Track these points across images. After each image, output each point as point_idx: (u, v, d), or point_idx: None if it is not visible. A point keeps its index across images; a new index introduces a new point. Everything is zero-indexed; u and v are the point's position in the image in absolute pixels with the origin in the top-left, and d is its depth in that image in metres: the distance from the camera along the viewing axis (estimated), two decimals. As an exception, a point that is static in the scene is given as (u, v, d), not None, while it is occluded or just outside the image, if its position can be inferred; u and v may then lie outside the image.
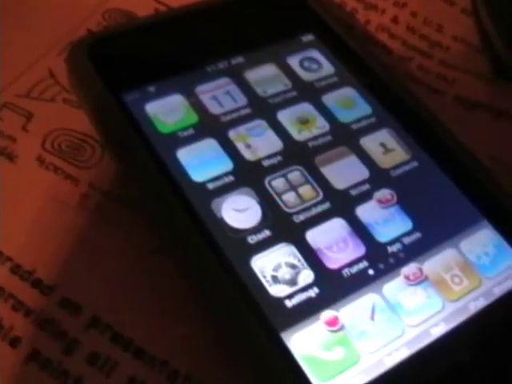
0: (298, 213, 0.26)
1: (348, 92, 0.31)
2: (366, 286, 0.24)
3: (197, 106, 0.29)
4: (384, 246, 0.26)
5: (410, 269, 0.25)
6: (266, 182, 0.27)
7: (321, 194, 0.27)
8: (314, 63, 0.32)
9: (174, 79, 0.29)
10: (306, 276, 0.24)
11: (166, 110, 0.28)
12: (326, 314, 0.24)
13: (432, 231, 0.26)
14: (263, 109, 0.29)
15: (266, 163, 0.27)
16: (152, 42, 0.31)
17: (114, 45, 0.30)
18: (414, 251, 0.26)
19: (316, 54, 0.32)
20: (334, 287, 0.24)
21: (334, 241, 0.25)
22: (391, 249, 0.25)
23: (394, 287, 0.25)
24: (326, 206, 0.26)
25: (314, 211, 0.26)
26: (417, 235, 0.26)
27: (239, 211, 0.26)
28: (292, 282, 0.24)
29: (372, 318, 0.24)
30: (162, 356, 0.24)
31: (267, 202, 0.26)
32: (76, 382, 0.24)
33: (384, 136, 0.29)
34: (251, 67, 0.31)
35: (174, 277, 0.25)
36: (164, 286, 0.26)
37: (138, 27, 0.32)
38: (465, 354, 0.24)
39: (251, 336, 0.23)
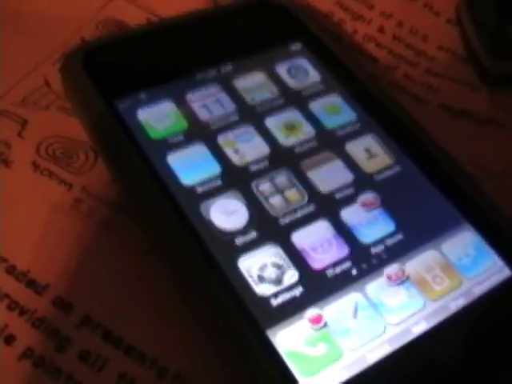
0: (283, 215, 0.27)
1: (334, 99, 0.32)
2: (350, 286, 0.25)
3: (187, 112, 0.30)
4: (367, 247, 0.26)
5: (392, 269, 0.26)
6: (253, 185, 0.28)
7: (306, 197, 0.28)
8: (301, 71, 0.33)
9: (165, 87, 0.30)
10: (291, 276, 0.25)
11: (157, 117, 0.29)
12: (310, 312, 0.24)
13: (414, 233, 0.27)
14: (251, 115, 0.30)
15: (253, 168, 0.28)
16: (144, 51, 0.32)
17: (107, 54, 0.31)
18: (397, 252, 0.26)
19: (303, 62, 0.33)
20: (318, 286, 0.25)
21: (318, 242, 0.26)
22: (374, 250, 0.26)
23: (377, 287, 0.25)
24: (311, 208, 0.27)
25: (299, 214, 0.27)
26: (399, 237, 0.27)
27: (227, 214, 0.27)
28: (277, 281, 0.25)
29: (355, 316, 0.25)
30: (152, 353, 0.25)
31: (254, 205, 0.27)
32: (68, 378, 0.24)
33: (368, 141, 0.30)
34: (240, 75, 0.32)
35: (165, 277, 0.26)
36: (155, 286, 0.27)
37: (130, 37, 0.33)
38: (444, 352, 0.24)
39: (238, 333, 0.24)
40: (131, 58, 0.31)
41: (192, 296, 0.25)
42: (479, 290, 0.26)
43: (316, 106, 0.31)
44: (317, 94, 0.32)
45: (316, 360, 0.23)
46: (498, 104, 0.36)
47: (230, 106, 0.30)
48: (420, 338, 0.24)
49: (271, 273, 0.25)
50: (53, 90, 0.33)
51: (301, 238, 0.26)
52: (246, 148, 0.29)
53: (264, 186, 0.28)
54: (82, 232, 0.28)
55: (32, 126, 0.31)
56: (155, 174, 0.27)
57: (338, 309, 0.25)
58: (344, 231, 0.27)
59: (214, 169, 0.28)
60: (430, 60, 0.37)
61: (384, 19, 0.39)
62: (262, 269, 0.25)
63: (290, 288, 0.25)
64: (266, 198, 0.27)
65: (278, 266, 0.25)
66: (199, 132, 0.29)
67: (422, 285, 0.26)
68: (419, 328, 0.25)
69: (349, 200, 0.28)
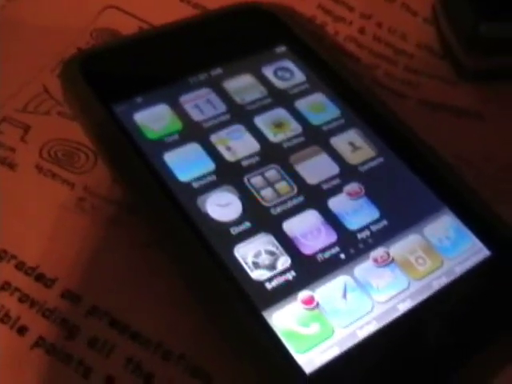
0: (275, 206, 0.29)
1: (318, 97, 0.34)
2: (339, 269, 0.27)
3: (181, 113, 0.32)
4: (354, 233, 0.28)
5: (378, 252, 0.28)
6: (246, 179, 0.29)
7: (295, 188, 0.29)
8: (286, 72, 0.34)
9: (159, 90, 0.32)
10: (284, 261, 0.27)
11: (153, 119, 0.31)
12: (303, 294, 0.26)
13: (397, 219, 0.29)
14: (241, 115, 0.32)
15: (244, 163, 0.30)
16: (138, 57, 0.34)
17: (103, 61, 0.33)
18: (382, 237, 0.28)
19: (289, 63, 0.35)
20: (309, 270, 0.27)
21: (308, 230, 0.28)
22: (360, 235, 0.28)
23: (364, 269, 0.27)
24: (301, 199, 0.29)
25: (289, 204, 0.29)
26: (384, 223, 0.29)
27: (222, 206, 0.28)
28: (271, 266, 0.27)
29: (344, 296, 0.26)
30: (157, 338, 0.27)
31: (247, 198, 0.29)
32: (79, 363, 0.26)
33: (352, 136, 0.32)
34: (229, 77, 0.34)
35: (168, 268, 0.28)
36: (158, 276, 0.28)
37: (124, 44, 0.35)
38: (428, 327, 0.26)
39: (236, 315, 0.25)
40: (126, 64, 0.33)
41: (193, 283, 0.27)
42: (460, 269, 0.28)
43: (302, 104, 0.33)
44: (302, 93, 0.34)
45: (309, 338, 0.25)
46: (474, 97, 0.38)
47: (221, 106, 0.32)
48: (406, 315, 0.26)
49: (265, 259, 0.27)
50: (52, 96, 0.34)
51: (292, 226, 0.28)
52: (238, 145, 0.31)
53: (255, 180, 0.29)
54: (86, 228, 0.30)
55: (34, 130, 0.33)
56: (154, 172, 0.29)
57: (329, 290, 0.26)
58: (331, 219, 0.29)
59: (208, 165, 0.30)
60: (409, 58, 0.39)
61: (364, 20, 0.40)
62: (257, 256, 0.27)
63: (283, 272, 0.27)
64: (258, 191, 0.29)
65: (271, 253, 0.27)
66: (193, 132, 0.31)
67: (406, 266, 0.27)
68: (405, 306, 0.26)
69: (335, 190, 0.30)
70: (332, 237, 0.28)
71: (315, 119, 0.32)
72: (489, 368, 0.26)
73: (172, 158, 0.30)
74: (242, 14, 0.36)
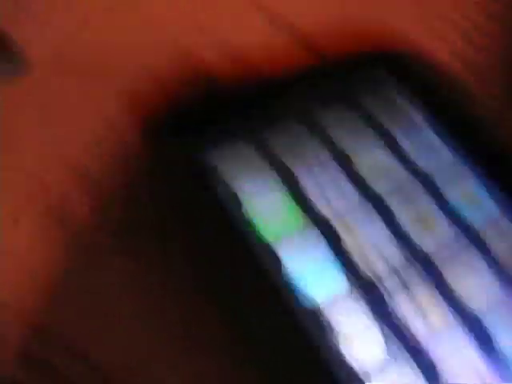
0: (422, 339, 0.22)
1: (471, 185, 0.26)
2: None
3: (301, 200, 0.25)
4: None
5: None
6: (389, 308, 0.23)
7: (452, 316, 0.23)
8: (429, 149, 0.27)
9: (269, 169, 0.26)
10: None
11: (267, 209, 0.24)
12: None
13: None
14: (375, 206, 0.25)
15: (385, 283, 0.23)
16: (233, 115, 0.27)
17: (200, 125, 0.27)
18: None
19: (430, 135, 0.28)
20: None
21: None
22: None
23: None
24: (459, 332, 0.23)
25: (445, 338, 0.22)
26: None
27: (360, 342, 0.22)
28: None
29: None
30: None
31: (392, 331, 0.22)
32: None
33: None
34: (358, 154, 0.27)
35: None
36: None
37: (219, 103, 0.28)
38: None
39: None
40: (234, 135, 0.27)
41: None
42: None
43: (451, 194, 0.26)
44: (450, 179, 0.26)
45: None
46: None
47: (351, 193, 0.25)
48: None
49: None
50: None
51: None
52: (374, 253, 0.24)
53: (400, 308, 0.23)
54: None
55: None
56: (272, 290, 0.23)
57: None
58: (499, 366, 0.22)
59: (340, 282, 0.23)
60: None
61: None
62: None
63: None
64: (405, 324, 0.22)
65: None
66: (317, 225, 0.25)
67: None
68: None
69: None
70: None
71: (469, 215, 0.25)
72: None
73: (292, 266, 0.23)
74: (368, 66, 0.30)
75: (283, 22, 0.32)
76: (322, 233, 0.24)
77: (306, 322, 0.22)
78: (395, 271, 0.23)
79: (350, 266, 0.23)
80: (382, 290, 0.23)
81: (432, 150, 0.27)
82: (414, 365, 0.21)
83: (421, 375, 0.21)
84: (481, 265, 0.24)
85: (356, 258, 0.23)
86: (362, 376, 0.21)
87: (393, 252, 0.24)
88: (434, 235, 0.25)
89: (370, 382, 0.21)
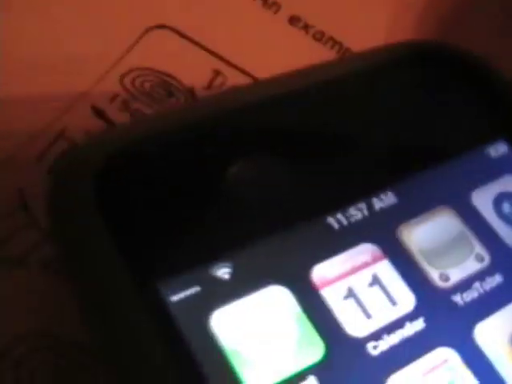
0: None
1: None
2: None
3: (316, 317, 0.14)
4: None
5: None
6: None
7: None
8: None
9: (257, 255, 0.14)
10: None
11: (250, 329, 0.14)
12: None
13: None
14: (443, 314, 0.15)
15: None
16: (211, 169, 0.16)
17: (142, 178, 0.15)
18: None
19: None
20: None
21: None
22: None
23: None
24: None
25: None
26: None
27: None
28: None
29: None
30: None
31: None
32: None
33: None
34: (410, 219, 0.16)
35: None
36: None
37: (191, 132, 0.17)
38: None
39: None
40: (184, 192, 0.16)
41: None
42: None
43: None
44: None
45: None
46: None
47: (401, 295, 0.15)
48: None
49: None
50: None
51: None
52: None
53: None
54: None
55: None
56: None
57: None
58: None
59: None
60: None
61: None
62: None
63: None
64: None
65: None
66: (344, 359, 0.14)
67: None
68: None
69: None
70: None
71: None
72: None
73: None
74: (418, 63, 0.19)
75: None
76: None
77: None
78: None
79: None
80: None
81: None
82: None
83: None
84: None
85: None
86: None
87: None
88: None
89: None
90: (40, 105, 0.20)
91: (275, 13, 0.22)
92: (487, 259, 0.16)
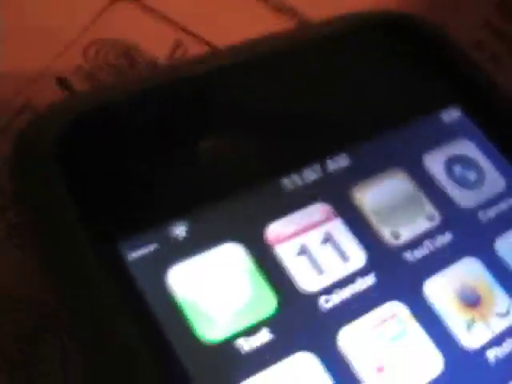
0: None
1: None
2: None
3: (270, 270, 0.15)
4: None
5: None
6: None
7: None
8: (470, 168, 0.17)
9: (215, 212, 0.15)
10: None
11: (205, 284, 0.14)
12: None
13: None
14: (391, 276, 0.15)
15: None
16: (172, 133, 0.16)
17: (103, 141, 0.16)
18: None
19: (472, 149, 0.18)
20: None
21: None
22: None
23: None
24: None
25: None
26: None
27: None
28: None
29: None
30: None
31: None
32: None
33: None
34: (362, 182, 0.17)
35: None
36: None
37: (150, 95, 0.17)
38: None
39: None
40: (147, 151, 0.16)
41: None
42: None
43: (508, 247, 0.16)
44: (509, 219, 0.17)
45: None
46: None
47: (353, 252, 0.15)
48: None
49: None
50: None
51: None
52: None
53: None
54: None
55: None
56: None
57: None
58: None
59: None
60: None
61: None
62: None
63: None
64: None
65: None
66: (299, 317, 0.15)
67: None
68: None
69: None
70: None
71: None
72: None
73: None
74: (376, 36, 0.19)
75: None
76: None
77: None
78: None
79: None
80: None
81: (475, 172, 0.17)
82: None
83: None
84: None
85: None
86: None
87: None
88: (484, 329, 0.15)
89: None
90: (3, 78, 0.20)
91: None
92: (437, 219, 0.16)
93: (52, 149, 0.15)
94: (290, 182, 0.16)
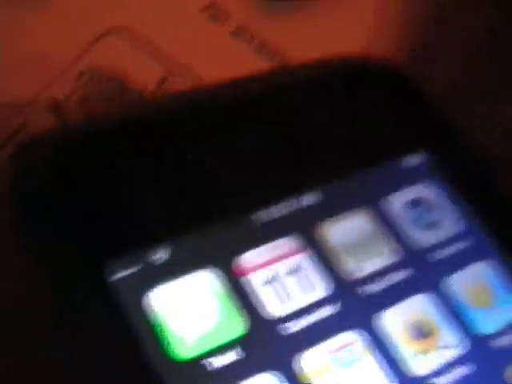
0: None
1: (485, 271, 0.18)
2: None
3: (239, 298, 0.16)
4: None
5: None
6: None
7: None
8: (432, 209, 0.19)
9: (192, 241, 0.16)
10: None
11: (182, 306, 0.16)
12: None
13: None
14: (352, 302, 0.17)
15: None
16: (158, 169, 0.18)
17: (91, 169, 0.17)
18: None
19: (434, 190, 0.19)
20: None
21: None
22: None
23: None
24: None
25: None
26: None
27: None
28: None
29: None
30: None
31: None
32: None
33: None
34: (332, 218, 0.18)
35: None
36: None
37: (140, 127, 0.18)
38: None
39: None
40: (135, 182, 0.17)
41: None
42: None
43: (456, 287, 0.18)
44: (459, 259, 0.18)
45: None
46: None
47: (317, 282, 0.17)
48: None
49: None
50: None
51: None
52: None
53: None
54: None
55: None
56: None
57: None
58: None
59: None
60: None
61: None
62: None
63: None
64: None
65: None
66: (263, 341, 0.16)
67: None
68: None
69: None
70: None
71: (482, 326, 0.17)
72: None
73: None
74: (352, 84, 0.21)
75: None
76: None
77: None
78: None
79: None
80: None
81: (437, 212, 0.19)
82: None
83: None
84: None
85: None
86: None
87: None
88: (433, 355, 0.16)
89: None
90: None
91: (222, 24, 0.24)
92: (395, 257, 0.18)
93: (45, 175, 0.17)
94: (263, 215, 0.17)
